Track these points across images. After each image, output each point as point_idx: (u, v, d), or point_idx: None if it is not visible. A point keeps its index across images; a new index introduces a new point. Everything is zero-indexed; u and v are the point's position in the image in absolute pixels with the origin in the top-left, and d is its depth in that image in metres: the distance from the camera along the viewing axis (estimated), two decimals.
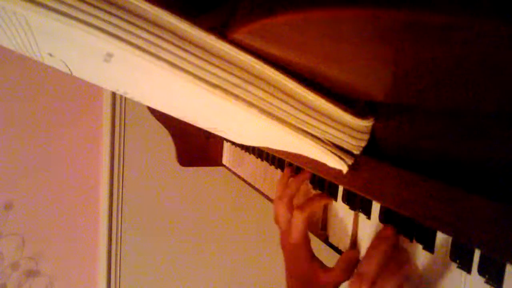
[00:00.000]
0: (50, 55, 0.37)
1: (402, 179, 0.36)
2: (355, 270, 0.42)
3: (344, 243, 0.51)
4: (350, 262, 0.47)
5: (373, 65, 0.27)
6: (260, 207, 1.39)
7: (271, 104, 0.36)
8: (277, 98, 0.36)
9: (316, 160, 0.44)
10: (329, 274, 0.48)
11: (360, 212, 0.48)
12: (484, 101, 0.28)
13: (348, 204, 0.50)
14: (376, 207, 0.45)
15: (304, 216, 0.52)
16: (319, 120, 0.38)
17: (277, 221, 0.57)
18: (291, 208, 0.55)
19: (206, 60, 0.32)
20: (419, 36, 0.18)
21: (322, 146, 0.39)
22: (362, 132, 0.40)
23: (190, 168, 1.12)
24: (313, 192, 0.58)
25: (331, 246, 0.54)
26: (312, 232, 0.57)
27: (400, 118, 0.38)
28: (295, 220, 0.52)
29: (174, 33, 0.30)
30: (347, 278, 0.47)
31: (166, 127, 1.06)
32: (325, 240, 0.55)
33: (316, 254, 0.53)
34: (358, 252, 0.48)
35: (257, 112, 0.35)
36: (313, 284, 0.50)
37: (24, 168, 1.17)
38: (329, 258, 0.52)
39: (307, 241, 0.52)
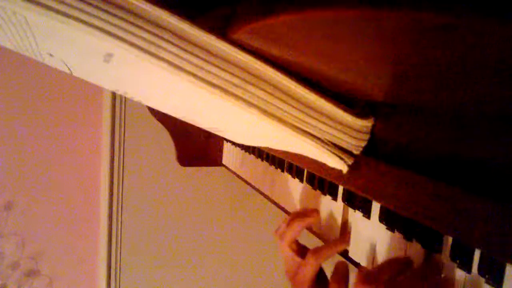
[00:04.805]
0: (50, 55, 0.37)
1: (402, 179, 0.36)
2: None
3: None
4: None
5: (373, 65, 0.27)
6: (260, 207, 1.39)
7: (271, 104, 0.36)
8: (277, 98, 0.36)
9: (316, 160, 0.44)
10: None
11: (360, 212, 0.48)
12: (484, 101, 0.28)
13: (348, 204, 0.50)
14: (376, 207, 0.45)
15: (317, 264, 0.46)
16: (319, 120, 0.38)
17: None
18: (299, 251, 0.49)
19: (206, 60, 0.32)
20: (419, 36, 0.18)
21: (322, 146, 0.39)
22: (362, 132, 0.40)
23: (190, 168, 1.12)
24: (316, 193, 0.58)
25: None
26: (312, 232, 0.57)
27: (400, 118, 0.38)
28: (304, 268, 0.47)
29: (174, 33, 0.30)
30: None
31: (166, 127, 1.06)
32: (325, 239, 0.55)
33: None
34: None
35: (257, 112, 0.35)
36: None
37: (24, 168, 1.17)
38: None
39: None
